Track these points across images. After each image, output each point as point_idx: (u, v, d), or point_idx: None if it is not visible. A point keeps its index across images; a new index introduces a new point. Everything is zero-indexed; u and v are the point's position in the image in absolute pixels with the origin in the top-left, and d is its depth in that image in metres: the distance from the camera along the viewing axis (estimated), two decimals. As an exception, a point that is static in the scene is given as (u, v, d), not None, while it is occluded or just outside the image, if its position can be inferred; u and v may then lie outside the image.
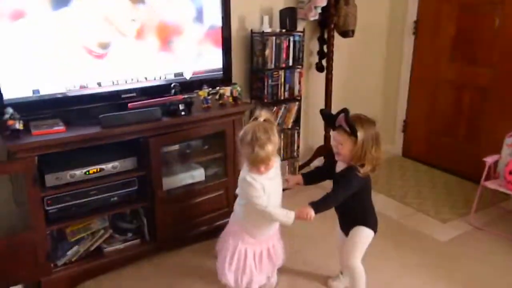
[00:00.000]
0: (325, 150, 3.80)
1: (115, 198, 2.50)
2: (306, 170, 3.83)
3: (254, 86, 3.33)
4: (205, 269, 2.58)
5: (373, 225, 2.20)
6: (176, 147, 2.81)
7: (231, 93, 2.78)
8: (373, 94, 4.26)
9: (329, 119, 2.11)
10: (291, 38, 3.22)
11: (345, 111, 1.99)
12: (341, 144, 2.04)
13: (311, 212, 2.00)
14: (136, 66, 2.55)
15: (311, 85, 3.76)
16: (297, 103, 3.42)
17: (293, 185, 2.37)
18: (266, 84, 3.20)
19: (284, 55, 3.22)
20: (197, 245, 2.80)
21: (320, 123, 3.75)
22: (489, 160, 3.01)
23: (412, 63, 4.04)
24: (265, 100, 3.25)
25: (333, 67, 3.55)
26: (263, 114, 2.01)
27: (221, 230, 2.73)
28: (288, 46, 3.22)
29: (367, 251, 2.23)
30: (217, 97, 2.74)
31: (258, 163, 1.97)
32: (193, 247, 2.78)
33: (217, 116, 2.69)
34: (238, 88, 2.80)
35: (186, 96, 2.57)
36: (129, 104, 2.44)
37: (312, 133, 3.91)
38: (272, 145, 1.97)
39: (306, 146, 3.90)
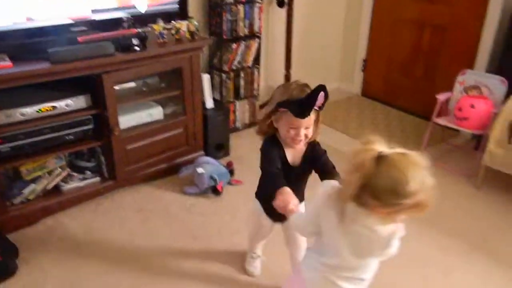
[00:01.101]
0: (285, 89, 3.81)
1: (71, 137, 2.45)
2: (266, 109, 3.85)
3: (212, 21, 3.24)
4: (164, 203, 2.64)
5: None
6: (133, 84, 2.75)
7: (188, 27, 2.69)
8: (334, 31, 4.24)
9: (306, 106, 1.56)
10: (250, -29, 3.12)
11: (323, 88, 1.56)
12: (307, 128, 1.61)
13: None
14: (86, -2, 2.42)
15: (271, 21, 3.69)
16: (257, 39, 3.36)
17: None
18: (224, 19, 3.12)
19: (243, -11, 3.13)
20: (157, 181, 2.83)
21: (280, 60, 3.75)
22: (441, 97, 3.11)
23: (373, 1, 4.01)
24: (224, 37, 3.18)
25: (294, 2, 3.48)
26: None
27: (180, 167, 2.78)
28: (247, -21, 3.12)
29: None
30: (173, 32, 2.65)
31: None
32: (153, 183, 2.82)
33: (173, 52, 2.62)
34: (195, 23, 2.71)
35: (140, 30, 2.48)
36: (79, 38, 2.34)
37: (272, 71, 3.89)
38: None
39: (266, 84, 3.89)
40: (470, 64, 3.37)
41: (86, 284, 2.05)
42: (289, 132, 1.61)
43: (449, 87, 3.24)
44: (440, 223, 2.48)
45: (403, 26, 3.86)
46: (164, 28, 2.61)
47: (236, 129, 3.52)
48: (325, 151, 1.73)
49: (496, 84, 3.00)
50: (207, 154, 2.99)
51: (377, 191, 1.18)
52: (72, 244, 2.29)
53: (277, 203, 1.48)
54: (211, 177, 2.65)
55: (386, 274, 1.64)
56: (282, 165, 1.66)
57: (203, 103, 3.01)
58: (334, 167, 1.66)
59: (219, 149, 3.11)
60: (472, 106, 2.91)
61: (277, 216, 1.71)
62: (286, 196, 1.48)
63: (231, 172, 2.84)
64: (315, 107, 1.57)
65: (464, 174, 2.98)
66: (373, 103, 4.16)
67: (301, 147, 1.70)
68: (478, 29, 3.33)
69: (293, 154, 1.71)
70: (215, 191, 2.67)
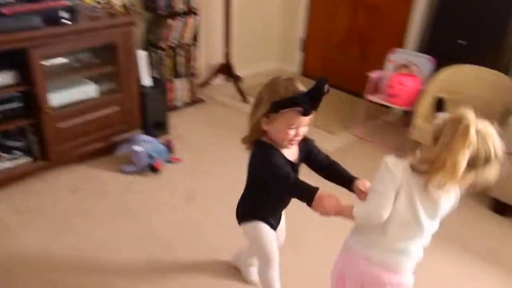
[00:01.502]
0: (225, 68, 3.81)
1: (-3, 115, 2.33)
2: (207, 88, 3.85)
3: (148, -4, 3.16)
4: (101, 182, 2.59)
5: None
6: (64, 60, 2.63)
7: (121, 1, 2.62)
8: (274, 11, 4.27)
9: (314, 101, 1.46)
10: None
11: (326, 80, 1.48)
12: (305, 126, 1.47)
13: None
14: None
15: (210, -1, 3.66)
16: (195, 16, 3.32)
17: None
18: (160, -6, 3.06)
19: (179, -37, 3.07)
20: (93, 161, 2.76)
21: (220, 39, 3.73)
22: (373, 75, 3.24)
23: (311, -20, 4.07)
24: (160, 12, 3.11)
25: (232, -20, 3.47)
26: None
27: (117, 145, 2.72)
28: (184, -47, 3.06)
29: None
30: (106, 5, 2.57)
31: None
32: (90, 163, 2.75)
33: (106, 26, 2.54)
34: (129, -3, 2.64)
35: (69, 3, 2.37)
36: (3, 10, 2.20)
37: (212, 49, 3.87)
38: None
39: (206, 63, 3.87)
40: (400, 43, 3.53)
41: (17, 267, 1.98)
42: (288, 133, 1.43)
43: (382, 66, 3.38)
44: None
45: (339, 6, 3.96)
46: (97, 1, 2.52)
47: (175, 108, 3.49)
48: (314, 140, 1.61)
49: (424, 62, 3.17)
50: (145, 133, 2.95)
51: (475, 161, 1.19)
52: (1, 227, 2.20)
53: (326, 207, 1.36)
54: (149, 155, 2.62)
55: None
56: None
57: (140, 81, 2.95)
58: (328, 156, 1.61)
59: (157, 127, 3.07)
60: (401, 84, 3.07)
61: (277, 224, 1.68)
62: (331, 199, 1.36)
63: (170, 150, 2.82)
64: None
65: (393, 148, 3.15)
66: (311, 82, 4.23)
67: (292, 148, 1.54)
68: (407, 9, 3.48)
69: (290, 152, 1.54)
70: (153, 168, 2.65)
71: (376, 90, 3.32)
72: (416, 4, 3.42)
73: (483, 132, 1.19)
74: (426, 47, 3.32)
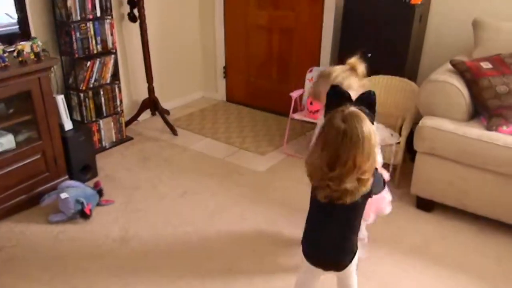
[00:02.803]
0: (150, 102, 3.81)
1: None
2: (134, 125, 3.81)
3: (61, 41, 3.10)
4: (29, 236, 2.46)
5: None
6: (-26, 114, 2.52)
7: (32, 48, 2.56)
8: (192, 42, 4.34)
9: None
10: (95, -13, 3.06)
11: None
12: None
13: None
14: None
15: (126, 37, 3.66)
16: (112, 56, 3.31)
17: None
18: (74, 38, 3.02)
19: (89, 5, 3.05)
20: (18, 215, 2.62)
21: (142, 75, 3.73)
22: (294, 94, 3.39)
23: (224, 10, 4.19)
24: (76, 55, 3.07)
25: (146, 16, 3.50)
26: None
27: (43, 196, 2.61)
28: (93, -5, 3.06)
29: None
30: (15, 54, 2.50)
31: None
32: (14, 218, 2.60)
33: (17, 75, 2.46)
34: (39, 43, 2.58)
35: (-26, 55, 2.29)
36: None
37: (135, 86, 3.86)
38: None
39: (130, 100, 3.84)
40: (316, 61, 3.73)
41: None
42: None
43: (302, 85, 3.54)
44: (299, 206, 2.71)
45: (255, 32, 4.11)
46: (5, 51, 2.45)
47: (103, 149, 3.42)
48: None
49: (338, 77, 3.35)
50: (72, 178, 2.86)
51: None
52: None
53: None
54: (77, 201, 2.54)
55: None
56: None
57: (61, 126, 2.87)
58: None
59: (85, 171, 2.99)
60: (321, 99, 3.22)
61: None
62: None
63: (100, 193, 2.74)
64: None
65: (322, 161, 3.28)
66: (238, 107, 4.34)
67: None
68: (318, 29, 3.70)
69: None
70: (84, 214, 2.56)
71: (299, 108, 3.47)
72: (325, 24, 3.64)
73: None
74: (338, 62, 3.51)
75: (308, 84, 3.49)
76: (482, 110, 2.55)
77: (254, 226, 2.58)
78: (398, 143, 2.85)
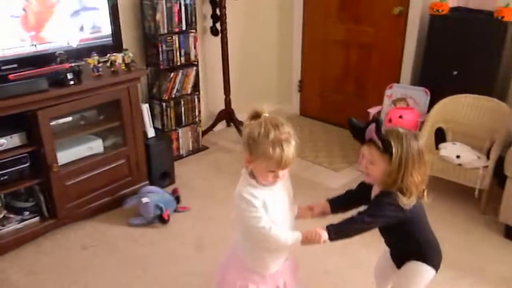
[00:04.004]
0: (226, 114, 3.89)
1: (5, 177, 2.37)
2: (209, 135, 3.91)
3: (148, 52, 3.27)
4: (110, 237, 2.59)
5: (435, 262, 1.69)
6: (69, 119, 2.70)
7: (123, 59, 2.72)
8: (269, 56, 4.40)
9: (357, 131, 1.62)
10: (182, 2, 3.19)
11: (375, 121, 1.56)
12: (372, 164, 1.57)
13: (323, 234, 1.52)
14: (15, 34, 2.38)
15: (207, 49, 3.78)
16: (194, 68, 3.43)
17: (318, 214, 1.76)
18: (160, 50, 3.17)
19: (176, 19, 3.19)
20: (101, 216, 2.77)
21: (219, 87, 3.83)
22: (372, 110, 3.31)
23: (303, 24, 4.21)
24: (161, 67, 3.22)
25: (228, 31, 3.60)
26: (265, 108, 1.46)
27: (125, 199, 2.75)
28: (180, 10, 3.19)
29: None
30: (108, 64, 2.66)
31: (273, 167, 1.44)
32: (98, 218, 2.76)
33: (109, 84, 2.62)
34: (130, 54, 2.74)
35: (73, 64, 2.47)
36: (10, 76, 2.29)
37: (213, 97, 3.96)
38: (294, 142, 1.46)
39: (207, 111, 3.95)
40: (396, 78, 3.62)
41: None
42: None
43: (379, 101, 3.45)
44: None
45: (332, 47, 4.08)
46: (99, 61, 2.62)
47: (180, 157, 3.53)
48: (383, 205, 1.55)
49: (419, 94, 3.24)
50: (152, 184, 2.98)
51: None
52: (13, 290, 2.19)
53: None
54: (157, 206, 2.64)
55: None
56: None
57: (145, 133, 3.01)
58: (360, 214, 1.58)
59: (164, 177, 3.10)
60: (401, 117, 3.12)
61: None
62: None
63: (177, 199, 2.84)
64: (368, 138, 1.56)
65: (400, 181, 3.16)
66: (312, 121, 4.31)
67: (375, 187, 1.65)
68: (400, 45, 3.60)
69: (373, 189, 1.68)
70: (162, 219, 2.65)
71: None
72: (407, 39, 3.53)
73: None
74: (420, 79, 3.39)
75: (387, 101, 3.40)
76: None
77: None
78: (486, 166, 2.68)
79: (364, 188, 1.72)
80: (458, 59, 3.08)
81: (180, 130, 3.49)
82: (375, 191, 1.65)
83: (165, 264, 2.36)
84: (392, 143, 1.50)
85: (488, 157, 2.74)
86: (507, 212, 2.51)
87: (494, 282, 2.25)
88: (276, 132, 1.41)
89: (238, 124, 3.90)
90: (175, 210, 2.79)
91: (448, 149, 2.81)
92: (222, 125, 4.07)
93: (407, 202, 1.52)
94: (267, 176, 1.48)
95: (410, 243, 1.67)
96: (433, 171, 2.87)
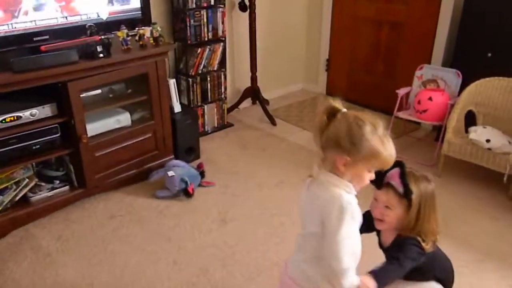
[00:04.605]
0: (252, 91, 3.89)
1: (37, 146, 2.44)
2: (235, 112, 3.91)
3: (176, 27, 3.28)
4: (136, 208, 2.65)
5: (448, 283, 1.69)
6: (99, 91, 2.75)
7: (151, 33, 2.73)
8: (297, 34, 4.34)
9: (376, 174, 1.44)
10: (211, -24, 3.17)
11: (399, 165, 1.46)
12: (389, 208, 1.50)
13: (372, 284, 1.38)
14: (48, 6, 2.41)
15: (235, 25, 3.76)
16: (221, 43, 3.42)
17: None
18: (188, 24, 3.17)
19: (205, -6, 3.18)
20: (128, 187, 2.84)
21: (246, 64, 3.82)
22: (401, 92, 3.24)
23: (333, 1, 4.13)
24: (189, 42, 3.22)
25: (256, 6, 3.56)
26: (341, 104, 1.31)
27: (151, 172, 2.80)
28: (209, -15, 3.18)
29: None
30: (136, 38, 2.68)
31: (379, 166, 1.31)
32: (124, 190, 2.82)
33: (138, 58, 2.65)
34: (159, 28, 2.75)
35: (103, 37, 2.49)
36: (42, 47, 2.34)
37: (239, 74, 3.96)
38: None
39: (233, 88, 3.95)
40: (427, 59, 3.52)
41: (60, 291, 2.05)
42: (372, 202, 1.56)
43: (409, 82, 3.38)
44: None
45: (362, 25, 3.99)
46: (128, 35, 2.64)
47: (205, 133, 3.56)
48: (413, 256, 1.49)
49: (451, 76, 3.15)
50: (177, 158, 3.02)
51: (333, 138, 1.27)
52: (44, 254, 2.27)
53: None
54: (182, 180, 2.68)
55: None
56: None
57: (171, 108, 3.04)
58: (398, 261, 1.47)
59: (189, 152, 3.14)
60: (430, 99, 3.05)
61: None
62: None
63: (202, 174, 2.87)
64: (387, 181, 1.48)
65: (426, 164, 3.11)
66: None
67: (387, 232, 1.58)
68: (433, 25, 3.49)
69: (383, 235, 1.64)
70: (187, 193, 2.69)
71: (404, 106, 3.31)
72: (440, 19, 3.42)
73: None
74: (452, 61, 3.30)
75: (416, 82, 3.32)
76: None
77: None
78: (517, 152, 2.61)
79: (368, 219, 1.56)
80: (493, 40, 2.98)
81: (206, 106, 3.51)
82: (386, 238, 1.60)
83: (189, 236, 2.41)
84: (412, 187, 1.45)
85: (519, 142, 2.67)
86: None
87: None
88: (379, 128, 1.28)
89: (263, 102, 3.89)
90: (200, 185, 2.83)
91: (478, 133, 2.74)
92: (247, 102, 4.07)
93: (426, 247, 1.50)
94: (366, 178, 1.32)
95: (429, 278, 1.64)
96: (462, 155, 2.81)
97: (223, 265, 2.20)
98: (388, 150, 1.27)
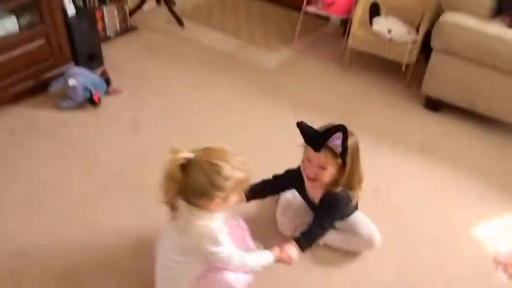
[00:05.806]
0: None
1: None
2: (138, 14, 3.65)
3: None
4: (39, 121, 2.48)
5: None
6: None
7: None
8: None
9: (311, 137, 1.53)
10: None
11: (343, 129, 1.48)
12: (324, 169, 1.54)
13: (295, 254, 1.55)
14: None
15: None
16: None
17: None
18: None
19: None
20: (27, 101, 2.61)
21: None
22: (305, -13, 3.19)
23: None
24: None
25: None
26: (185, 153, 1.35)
27: (50, 82, 2.59)
28: None
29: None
30: None
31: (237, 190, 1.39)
32: (23, 103, 2.59)
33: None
34: None
35: None
36: None
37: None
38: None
39: (134, -13, 3.64)
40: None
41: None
42: (304, 163, 1.60)
43: (316, -24, 3.32)
44: (308, 103, 2.72)
45: None
46: None
47: (107, 38, 3.31)
48: (344, 210, 1.70)
49: (356, -32, 3.14)
50: (78, 66, 2.81)
51: (198, 190, 1.31)
52: None
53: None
54: (86, 88, 2.52)
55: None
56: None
57: (64, 10, 2.75)
58: (320, 222, 1.63)
59: (91, 59, 2.92)
60: (335, -7, 3.04)
61: None
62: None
63: (107, 81, 2.71)
64: (330, 146, 1.49)
65: (332, 59, 3.19)
66: (248, 1, 4.13)
67: (317, 189, 1.66)
68: None
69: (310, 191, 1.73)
70: (92, 102, 2.55)
71: (313, 1, 3.29)
72: None
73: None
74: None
75: (324, -24, 3.27)
76: (507, 5, 2.42)
77: (261, 116, 2.61)
78: (415, 41, 2.75)
79: (293, 177, 1.73)
80: None
81: (104, 8, 3.22)
82: (315, 194, 1.69)
83: (98, 145, 2.33)
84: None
85: (418, 32, 2.80)
86: (428, 84, 2.65)
87: (412, 146, 2.46)
88: (231, 159, 1.35)
89: (169, 2, 3.65)
90: (106, 93, 2.69)
91: (381, 23, 2.83)
92: (151, 3, 3.79)
93: (355, 200, 1.66)
94: (235, 200, 1.44)
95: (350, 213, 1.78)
96: (366, 47, 2.92)
97: (136, 170, 2.18)
98: (247, 169, 1.35)
